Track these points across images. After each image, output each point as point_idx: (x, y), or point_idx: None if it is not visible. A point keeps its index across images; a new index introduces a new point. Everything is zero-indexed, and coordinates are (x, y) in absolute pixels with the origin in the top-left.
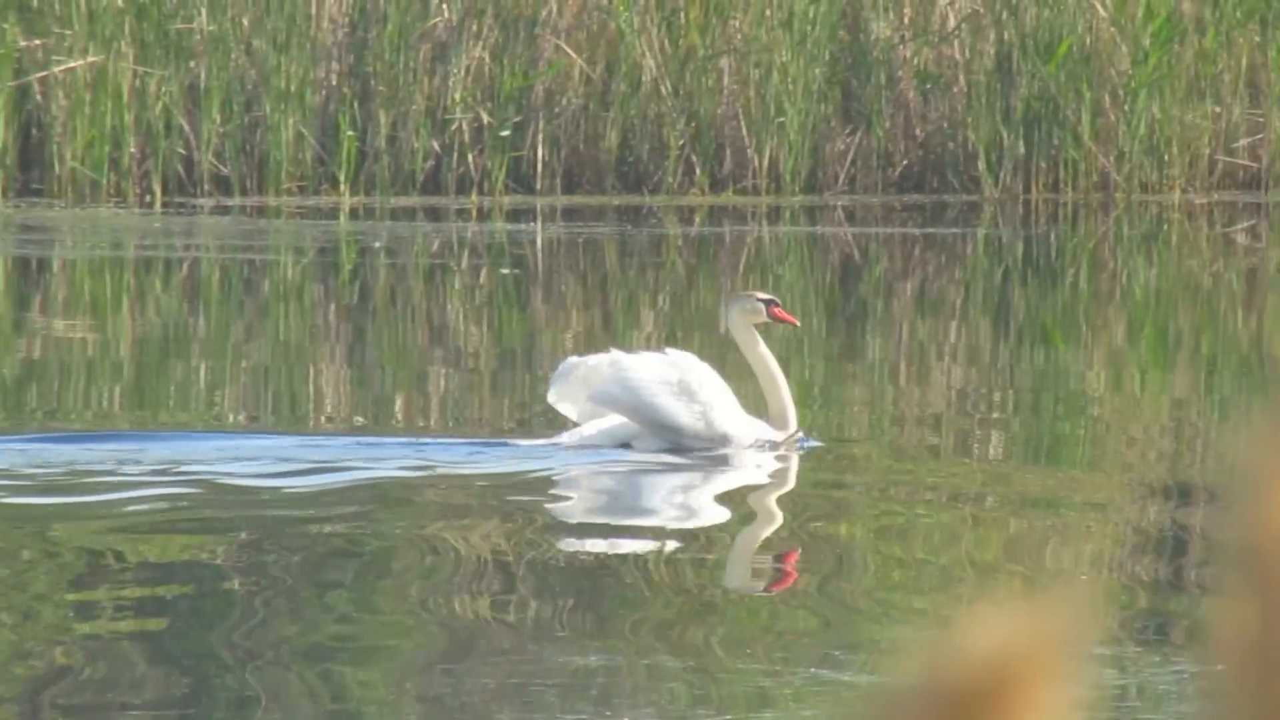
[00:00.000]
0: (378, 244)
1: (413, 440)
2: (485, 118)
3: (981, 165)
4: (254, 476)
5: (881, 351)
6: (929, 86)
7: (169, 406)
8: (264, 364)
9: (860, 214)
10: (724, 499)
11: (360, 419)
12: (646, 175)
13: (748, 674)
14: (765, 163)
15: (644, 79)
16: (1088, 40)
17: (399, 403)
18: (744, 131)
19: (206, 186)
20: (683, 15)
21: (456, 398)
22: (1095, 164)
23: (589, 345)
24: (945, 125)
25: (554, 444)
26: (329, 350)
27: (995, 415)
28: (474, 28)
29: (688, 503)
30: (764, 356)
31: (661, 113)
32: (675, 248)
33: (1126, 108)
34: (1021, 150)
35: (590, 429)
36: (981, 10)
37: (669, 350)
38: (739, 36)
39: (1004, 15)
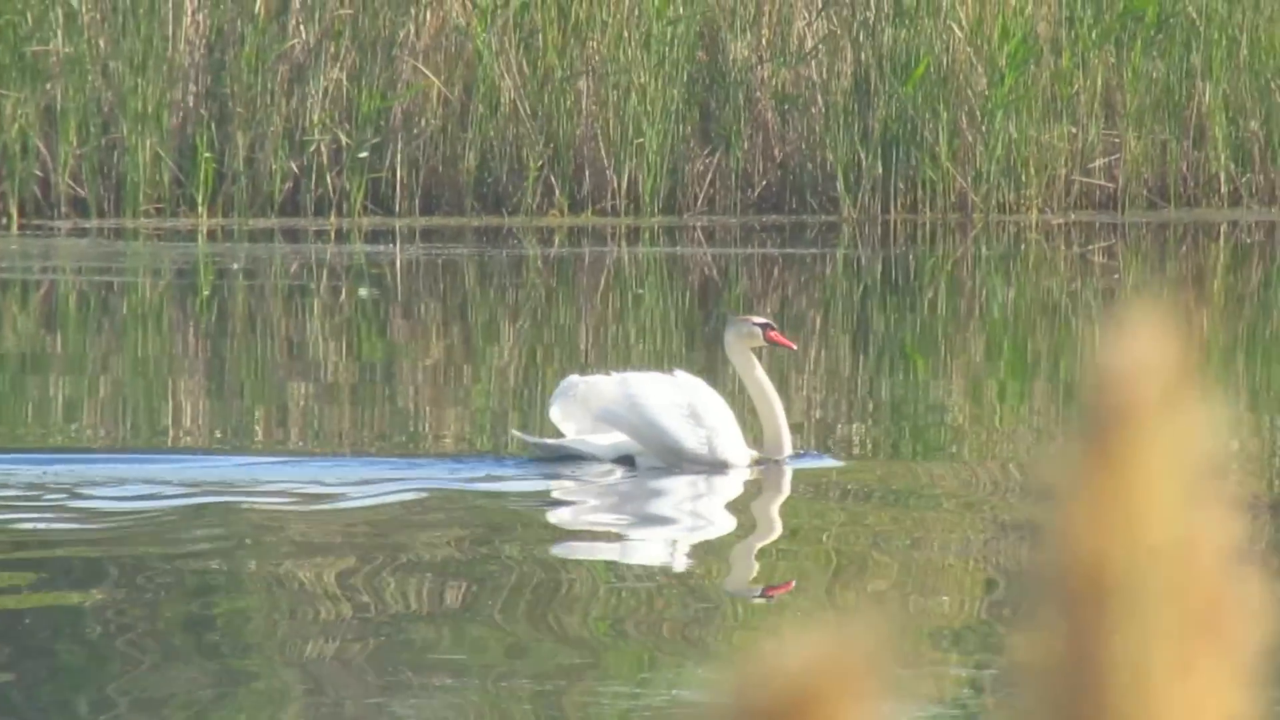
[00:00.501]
0: (236, 266)
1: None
2: (343, 139)
3: (840, 186)
4: (127, 499)
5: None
6: (787, 107)
7: (26, 426)
8: (122, 384)
9: (719, 234)
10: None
11: (220, 437)
12: (505, 196)
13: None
14: (624, 183)
15: (502, 100)
16: (945, 61)
17: (260, 421)
18: (603, 152)
19: (63, 209)
20: (541, 37)
21: (317, 416)
22: (953, 184)
23: (450, 366)
24: (804, 146)
25: (561, 444)
26: (187, 371)
27: (854, 434)
28: (331, 49)
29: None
30: (760, 381)
31: (520, 134)
32: (535, 269)
33: (984, 128)
34: (880, 171)
35: (598, 439)
36: (839, 31)
37: (677, 372)
38: (597, 58)
39: (861, 36)
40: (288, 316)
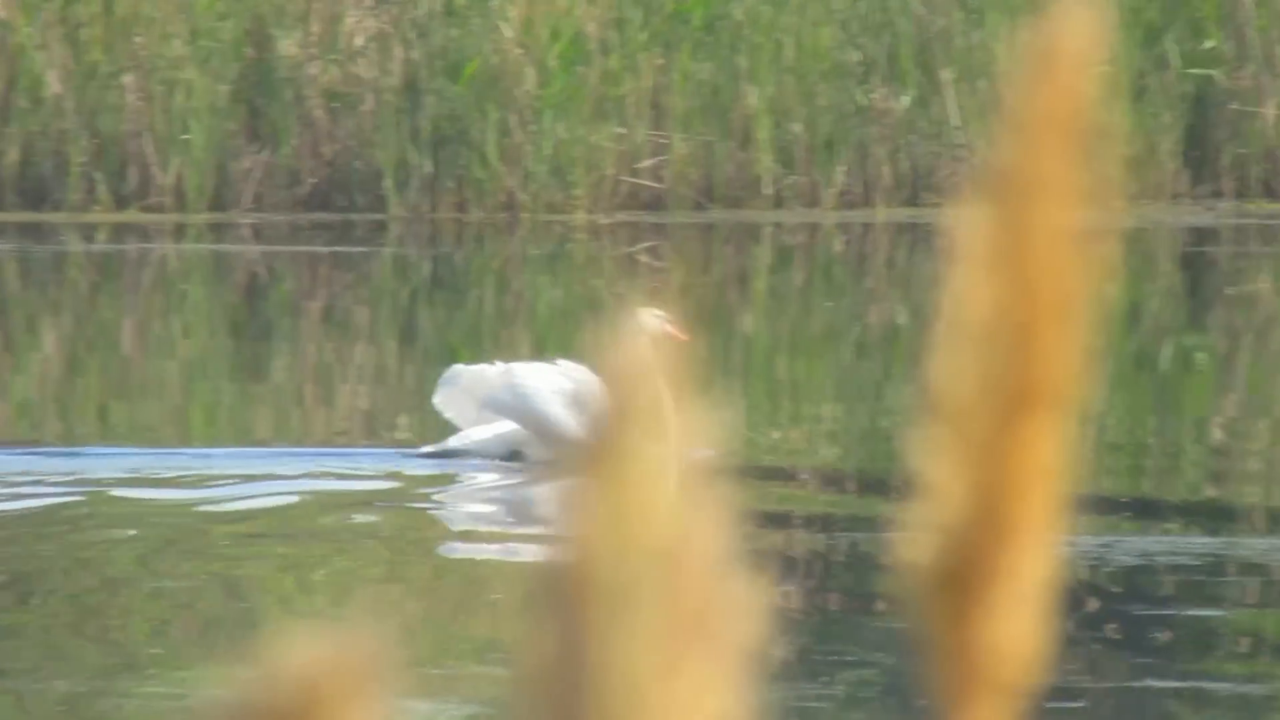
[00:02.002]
0: None
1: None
2: None
3: (389, 184)
4: None
5: (288, 372)
6: (336, 105)
7: None
8: None
9: (268, 232)
10: None
11: None
12: (48, 192)
13: None
14: (170, 180)
15: (46, 95)
16: (495, 61)
17: None
18: (149, 148)
19: None
20: (85, 31)
21: None
22: (502, 184)
23: None
24: (353, 144)
25: (443, 448)
26: None
27: (402, 434)
28: None
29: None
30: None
31: (64, 129)
32: (78, 266)
33: (533, 128)
34: (429, 169)
35: (481, 433)
36: (389, 29)
37: (560, 361)
38: (144, 53)
39: (412, 35)
40: None
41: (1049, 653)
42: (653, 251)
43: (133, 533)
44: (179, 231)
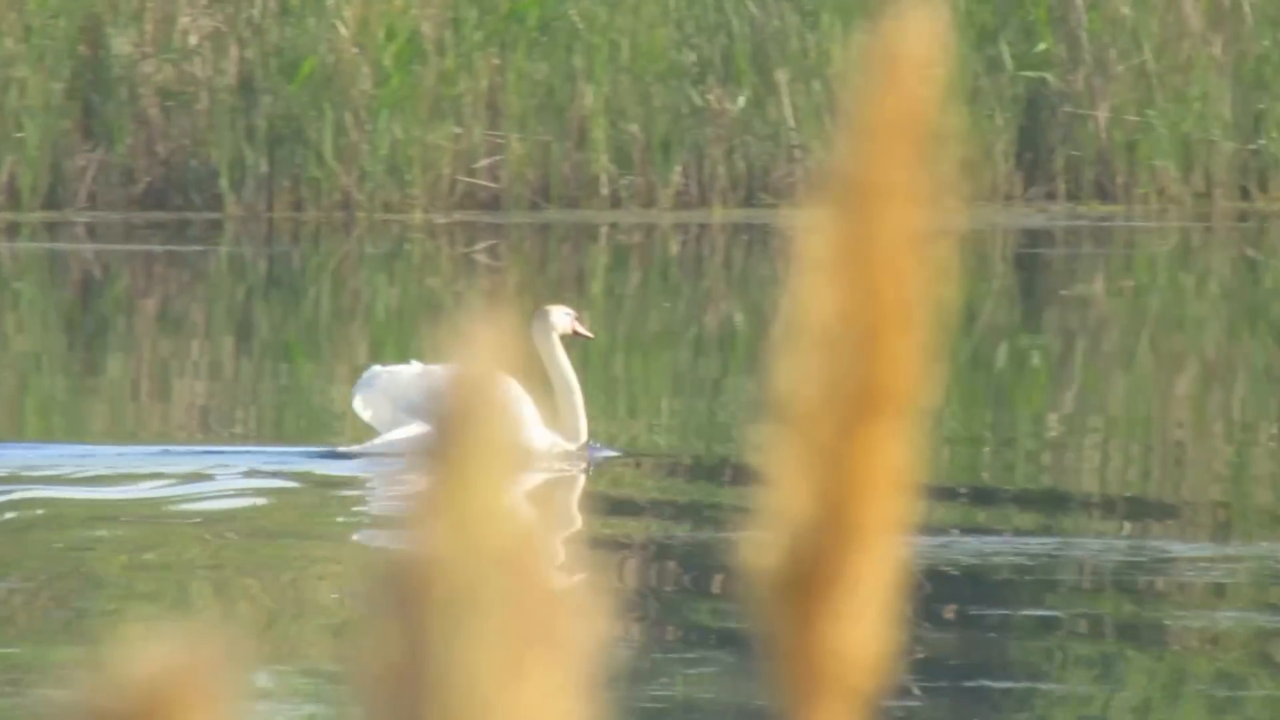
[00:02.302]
0: None
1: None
2: None
3: (224, 183)
4: None
5: (123, 369)
6: (171, 104)
7: None
8: None
9: (102, 231)
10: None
11: None
12: None
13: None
14: (4, 178)
15: None
16: (330, 60)
17: None
18: None
19: None
20: None
21: None
22: (338, 183)
23: None
24: (188, 143)
25: (360, 449)
26: None
27: (238, 431)
28: None
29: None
30: (564, 369)
31: None
32: None
33: (369, 128)
34: (265, 169)
35: (396, 435)
36: (224, 28)
37: None
38: None
39: (247, 33)
40: None
41: (893, 656)
42: (490, 251)
43: None
44: (12, 230)
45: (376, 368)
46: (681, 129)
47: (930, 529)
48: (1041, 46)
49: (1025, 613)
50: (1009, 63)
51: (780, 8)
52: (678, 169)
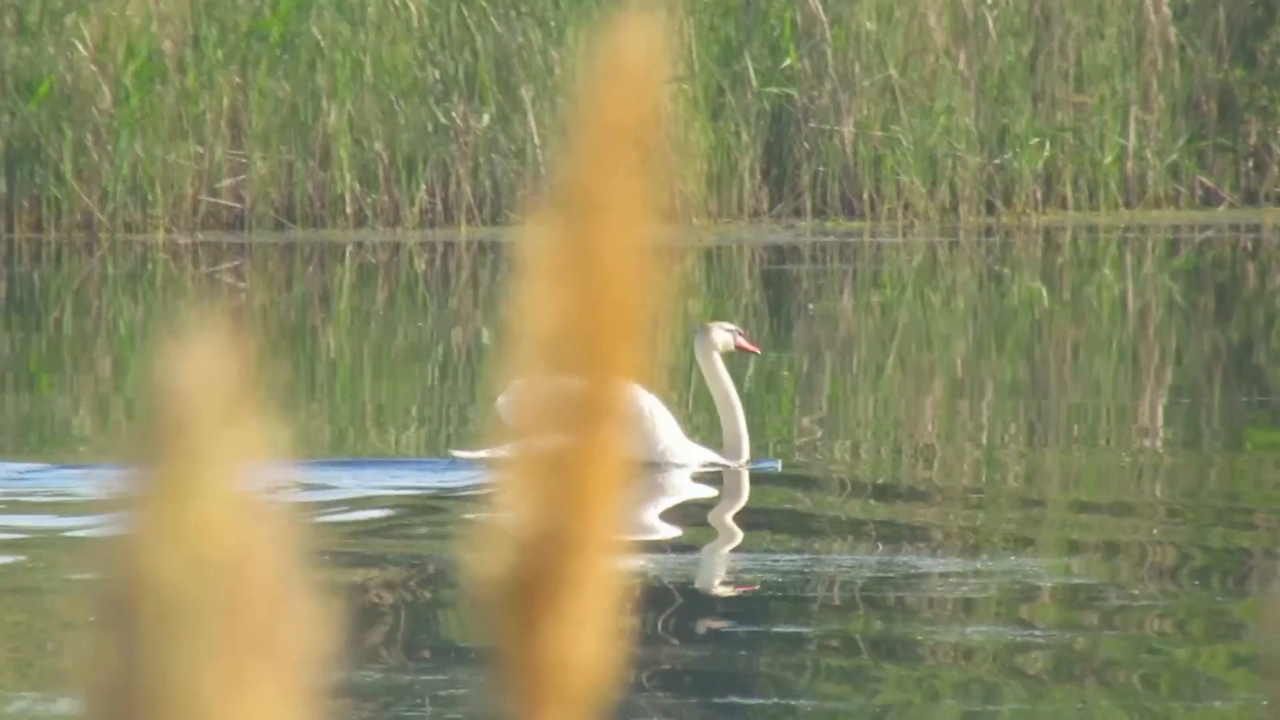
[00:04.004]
0: None
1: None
2: None
3: None
4: None
5: None
6: None
7: None
8: None
9: None
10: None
11: None
12: None
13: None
14: None
15: None
16: (69, 79)
17: None
18: None
19: None
20: None
21: None
22: (79, 203)
23: None
24: None
25: (476, 457)
26: None
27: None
28: None
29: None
30: (726, 386)
31: None
32: None
33: (110, 147)
34: (3, 189)
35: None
36: None
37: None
38: None
39: None
40: None
41: (617, 665)
42: (235, 271)
43: None
44: None
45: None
46: (427, 147)
47: (679, 547)
48: (787, 62)
49: (777, 629)
50: (754, 79)
51: (524, 24)
52: (423, 187)
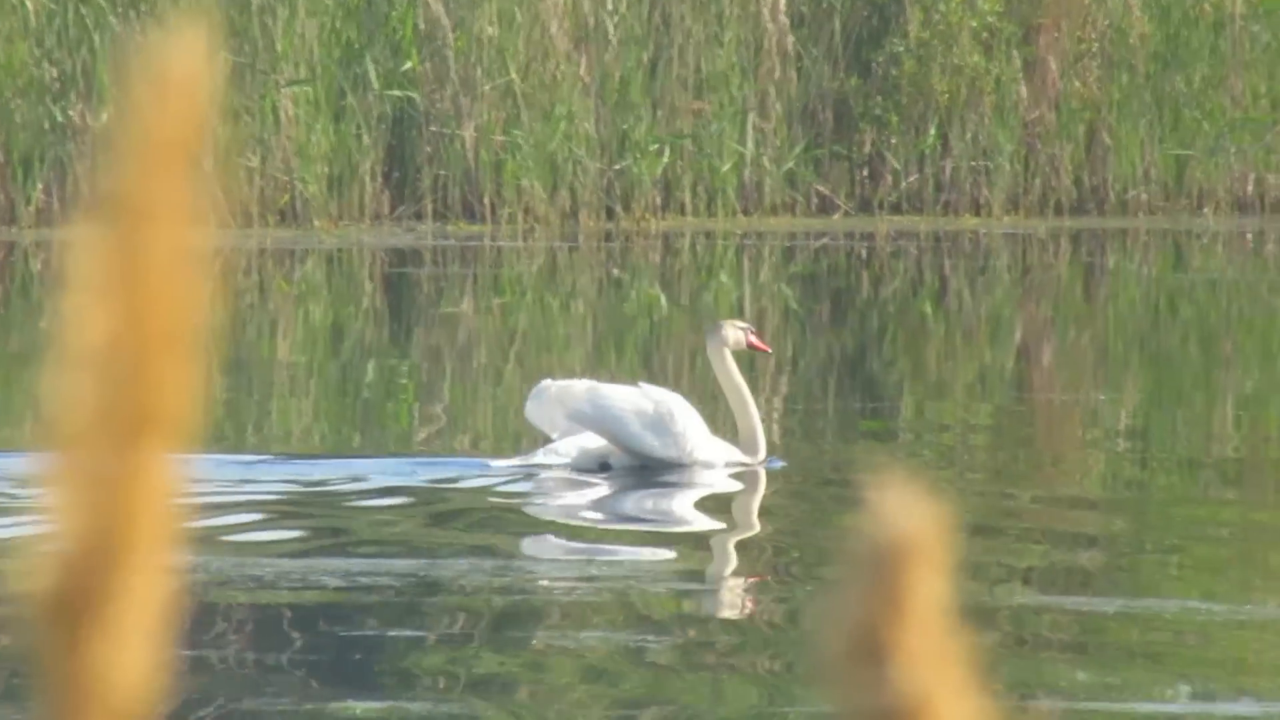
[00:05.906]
0: None
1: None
2: None
3: None
4: None
5: None
6: None
7: None
8: None
9: None
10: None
11: None
12: None
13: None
14: None
15: None
16: None
17: None
18: None
19: None
20: None
21: None
22: None
23: None
24: None
25: (531, 462)
26: None
27: None
28: None
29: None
30: (738, 383)
31: None
32: None
33: None
34: None
35: (567, 445)
36: None
37: (642, 385)
38: None
39: None
40: None
41: (164, 678)
42: None
43: None
44: None
45: (547, 380)
46: (44, 145)
47: (289, 553)
48: (408, 65)
49: (392, 633)
50: (376, 81)
51: (144, 23)
52: (39, 186)
